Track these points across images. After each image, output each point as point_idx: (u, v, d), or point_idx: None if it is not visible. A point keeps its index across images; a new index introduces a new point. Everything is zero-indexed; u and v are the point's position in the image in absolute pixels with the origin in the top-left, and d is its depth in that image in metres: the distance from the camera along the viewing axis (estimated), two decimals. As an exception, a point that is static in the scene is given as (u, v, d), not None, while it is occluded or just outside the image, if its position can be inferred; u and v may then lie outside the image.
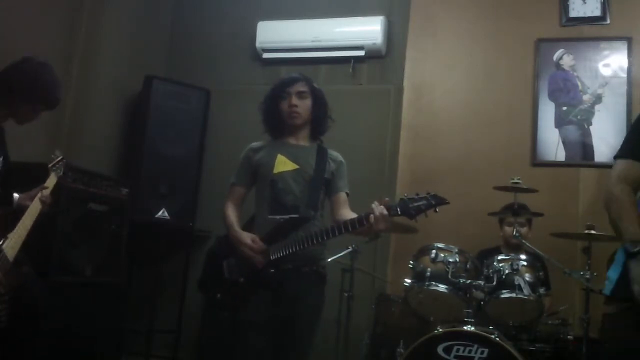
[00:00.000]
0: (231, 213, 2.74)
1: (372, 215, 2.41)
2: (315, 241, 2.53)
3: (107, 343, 3.87)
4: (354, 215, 2.59)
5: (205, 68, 4.91)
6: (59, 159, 2.92)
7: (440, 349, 3.00)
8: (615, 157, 2.14)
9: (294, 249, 2.54)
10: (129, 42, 4.59)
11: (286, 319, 2.58)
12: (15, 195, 2.76)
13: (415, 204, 2.42)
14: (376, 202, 2.44)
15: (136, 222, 4.14)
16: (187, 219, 4.46)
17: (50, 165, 2.86)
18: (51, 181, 2.81)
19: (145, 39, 4.79)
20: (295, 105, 2.71)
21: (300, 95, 2.73)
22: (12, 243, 2.50)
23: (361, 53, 4.55)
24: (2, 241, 2.48)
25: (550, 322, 3.41)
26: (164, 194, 4.32)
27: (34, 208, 2.66)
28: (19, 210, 2.64)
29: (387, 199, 2.47)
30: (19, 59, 2.73)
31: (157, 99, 4.42)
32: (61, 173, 2.91)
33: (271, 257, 2.57)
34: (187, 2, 5.12)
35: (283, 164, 2.69)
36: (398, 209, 2.43)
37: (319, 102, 2.79)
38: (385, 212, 2.41)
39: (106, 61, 4.37)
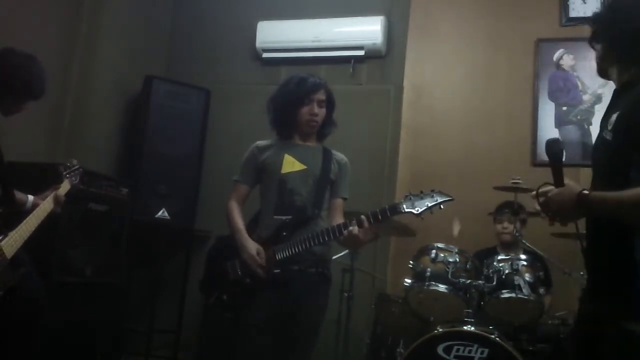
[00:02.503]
0: (237, 215, 2.73)
1: (350, 229, 2.46)
2: (318, 241, 2.54)
3: (107, 343, 3.88)
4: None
5: (205, 68, 4.91)
6: (76, 167, 2.96)
7: (440, 349, 3.00)
8: None
9: (299, 249, 2.55)
10: (129, 42, 4.59)
11: (290, 320, 2.58)
12: (30, 197, 2.78)
13: (421, 201, 2.44)
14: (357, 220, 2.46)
15: (136, 222, 4.14)
16: (187, 219, 4.46)
17: (64, 173, 2.89)
18: (64, 187, 2.84)
19: (145, 39, 4.78)
20: (316, 115, 2.71)
21: (320, 104, 2.73)
22: (12, 241, 2.49)
23: (361, 53, 4.54)
24: (0, 238, 2.47)
25: (550, 322, 3.41)
26: (164, 194, 4.32)
27: (42, 209, 2.68)
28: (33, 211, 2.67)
29: (385, 206, 2.51)
30: None
31: (157, 99, 4.42)
32: (76, 181, 2.94)
33: (277, 257, 2.57)
34: (187, 2, 5.12)
35: (291, 164, 2.69)
36: (404, 207, 2.45)
37: (331, 108, 2.79)
38: (356, 231, 2.44)
39: (106, 61, 4.37)
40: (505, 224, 3.78)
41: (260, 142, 2.81)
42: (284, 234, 2.59)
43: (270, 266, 2.58)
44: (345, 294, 3.66)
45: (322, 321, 2.68)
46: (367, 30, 4.52)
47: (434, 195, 2.47)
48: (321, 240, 2.54)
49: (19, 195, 2.77)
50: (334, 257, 3.40)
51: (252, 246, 2.60)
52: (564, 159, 1.78)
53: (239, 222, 2.71)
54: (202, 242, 4.37)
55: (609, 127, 1.72)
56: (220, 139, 4.62)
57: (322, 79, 2.80)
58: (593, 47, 1.92)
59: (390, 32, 4.59)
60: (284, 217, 2.63)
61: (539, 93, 4.31)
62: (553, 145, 1.78)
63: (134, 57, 4.63)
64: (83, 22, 4.21)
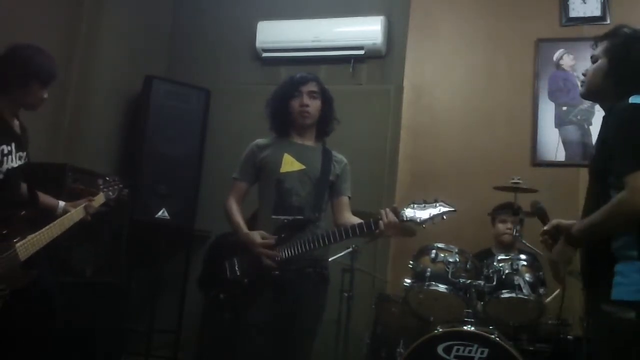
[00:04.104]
0: (236, 212, 2.73)
1: (381, 222, 2.42)
2: (323, 243, 2.54)
3: (107, 343, 3.88)
4: (356, 219, 2.61)
5: (205, 68, 4.91)
6: (116, 182, 3.01)
7: (440, 349, 3.00)
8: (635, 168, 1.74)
9: (301, 250, 2.54)
10: (129, 42, 4.59)
11: (289, 320, 2.58)
12: (62, 202, 2.83)
13: (424, 210, 2.45)
14: (386, 209, 2.45)
15: (136, 222, 4.14)
16: (187, 219, 4.46)
17: (101, 186, 2.94)
18: (98, 200, 2.89)
19: (145, 39, 4.78)
20: (307, 105, 2.71)
21: (312, 95, 2.73)
22: (29, 244, 2.52)
23: (361, 53, 4.54)
24: (17, 239, 2.50)
25: (550, 322, 3.40)
26: (164, 194, 4.32)
27: (69, 218, 2.72)
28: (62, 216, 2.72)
29: (395, 206, 2.49)
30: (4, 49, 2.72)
31: (157, 99, 4.42)
32: (113, 196, 2.97)
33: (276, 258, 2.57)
34: (187, 2, 5.12)
35: (290, 164, 2.68)
36: (406, 216, 2.45)
37: (328, 103, 2.79)
38: (395, 219, 2.43)
39: (106, 61, 4.37)
40: (509, 225, 3.76)
41: (260, 140, 2.82)
42: (282, 235, 2.59)
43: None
44: (345, 294, 3.67)
45: (321, 321, 2.68)
46: (367, 30, 4.52)
47: (437, 205, 2.47)
48: (351, 235, 2.53)
49: (49, 199, 2.83)
50: (333, 257, 3.42)
51: (256, 235, 2.60)
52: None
53: (239, 218, 2.70)
54: (202, 242, 4.36)
55: (594, 144, 2.04)
56: (220, 139, 4.62)
57: (312, 73, 2.82)
58: (593, 63, 2.09)
59: (390, 32, 4.59)
60: (282, 217, 2.63)
61: (539, 93, 4.31)
62: (537, 206, 2.23)
63: (134, 57, 4.63)
64: (83, 22, 4.21)
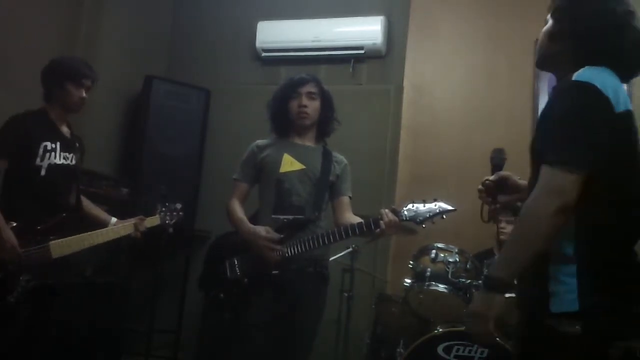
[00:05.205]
0: (238, 209, 2.74)
1: (382, 222, 2.43)
2: (324, 242, 2.54)
3: (107, 343, 3.88)
4: (357, 219, 2.62)
5: (205, 68, 4.91)
6: (176, 210, 3.08)
7: (440, 349, 3.00)
8: (554, 163, 1.60)
9: (301, 249, 2.55)
10: (129, 42, 4.59)
11: (288, 320, 2.58)
12: (114, 219, 2.95)
13: (423, 210, 2.46)
14: (386, 209, 2.47)
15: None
16: (187, 219, 4.45)
17: (159, 210, 3.03)
18: (152, 221, 2.99)
19: (145, 39, 4.78)
20: (305, 106, 2.72)
21: (310, 96, 2.74)
22: (64, 244, 2.62)
23: (361, 53, 4.54)
24: (53, 237, 2.60)
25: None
26: (164, 194, 4.31)
27: (114, 231, 2.84)
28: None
29: (394, 206, 2.51)
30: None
31: (157, 99, 4.42)
32: (170, 222, 3.04)
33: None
34: (187, 3, 5.12)
35: (290, 164, 2.70)
36: (406, 216, 2.46)
37: (327, 104, 2.80)
38: (395, 218, 2.44)
39: (106, 61, 4.36)
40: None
41: (260, 141, 2.83)
42: (282, 235, 2.59)
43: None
44: (345, 294, 3.66)
45: (320, 321, 2.68)
46: (367, 30, 4.52)
47: (437, 204, 2.49)
48: (351, 234, 2.54)
49: (102, 214, 2.96)
50: (333, 257, 3.42)
51: (260, 229, 2.60)
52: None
53: (241, 214, 2.71)
54: (202, 242, 4.36)
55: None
56: (220, 139, 4.62)
57: (311, 74, 2.82)
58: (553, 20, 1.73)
59: (390, 32, 4.58)
60: (282, 217, 2.63)
61: (539, 93, 4.30)
62: (497, 156, 2.09)
63: (134, 57, 4.63)
64: (83, 22, 4.21)
